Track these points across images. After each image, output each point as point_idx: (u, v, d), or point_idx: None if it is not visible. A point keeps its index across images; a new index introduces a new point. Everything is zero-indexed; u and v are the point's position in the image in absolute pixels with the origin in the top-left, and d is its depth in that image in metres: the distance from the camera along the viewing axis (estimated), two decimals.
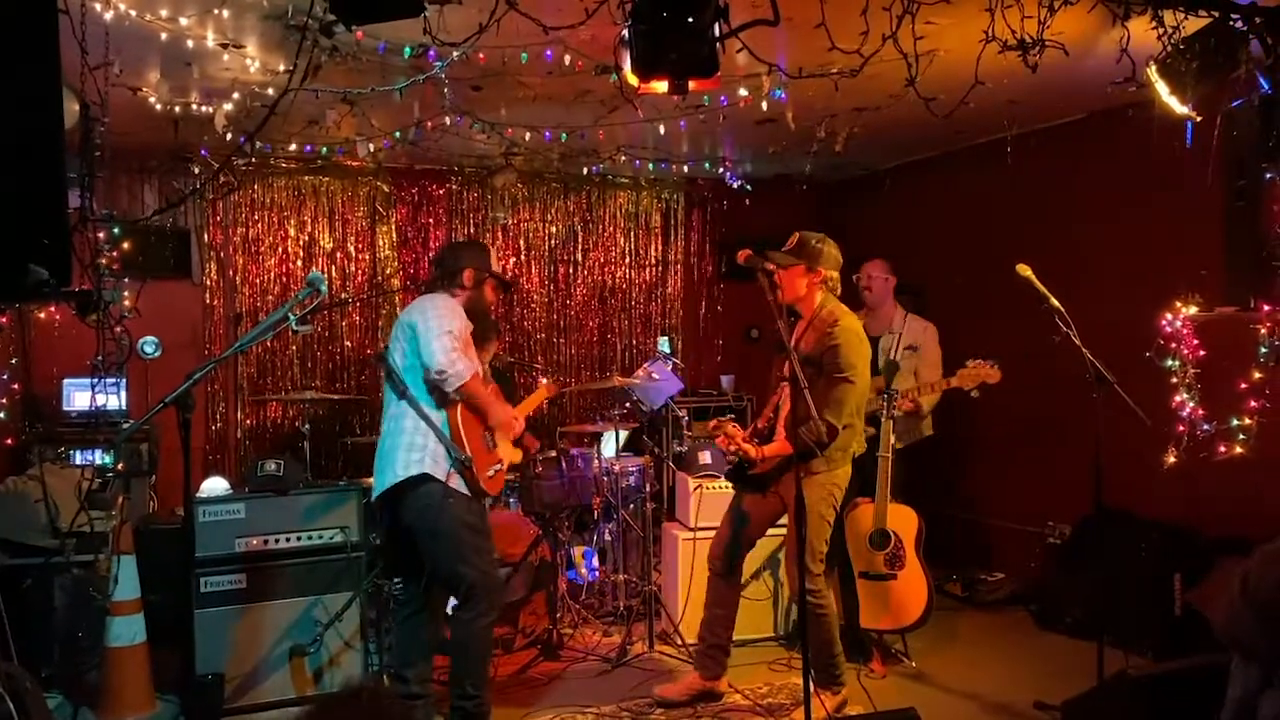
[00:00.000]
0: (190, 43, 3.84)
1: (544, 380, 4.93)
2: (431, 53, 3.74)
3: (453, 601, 3.93)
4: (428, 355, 3.60)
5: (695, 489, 5.05)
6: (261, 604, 4.22)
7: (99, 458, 4.96)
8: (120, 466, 4.89)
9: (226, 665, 4.12)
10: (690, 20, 2.71)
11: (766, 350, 4.62)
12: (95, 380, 2.94)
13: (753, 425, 4.39)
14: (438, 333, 3.60)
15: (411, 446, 3.63)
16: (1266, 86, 3.55)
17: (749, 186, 6.69)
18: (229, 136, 4.90)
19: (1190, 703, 2.51)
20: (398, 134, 5.34)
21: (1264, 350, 3.83)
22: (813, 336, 4.02)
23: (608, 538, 5.48)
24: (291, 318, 3.16)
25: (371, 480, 3.78)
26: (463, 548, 3.66)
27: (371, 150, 5.70)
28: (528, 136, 5.48)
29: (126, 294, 4.09)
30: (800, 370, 3.50)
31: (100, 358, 3.05)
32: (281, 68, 4.11)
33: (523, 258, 7.14)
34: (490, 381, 4.07)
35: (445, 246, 3.97)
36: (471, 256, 3.97)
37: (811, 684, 3.69)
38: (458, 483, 3.65)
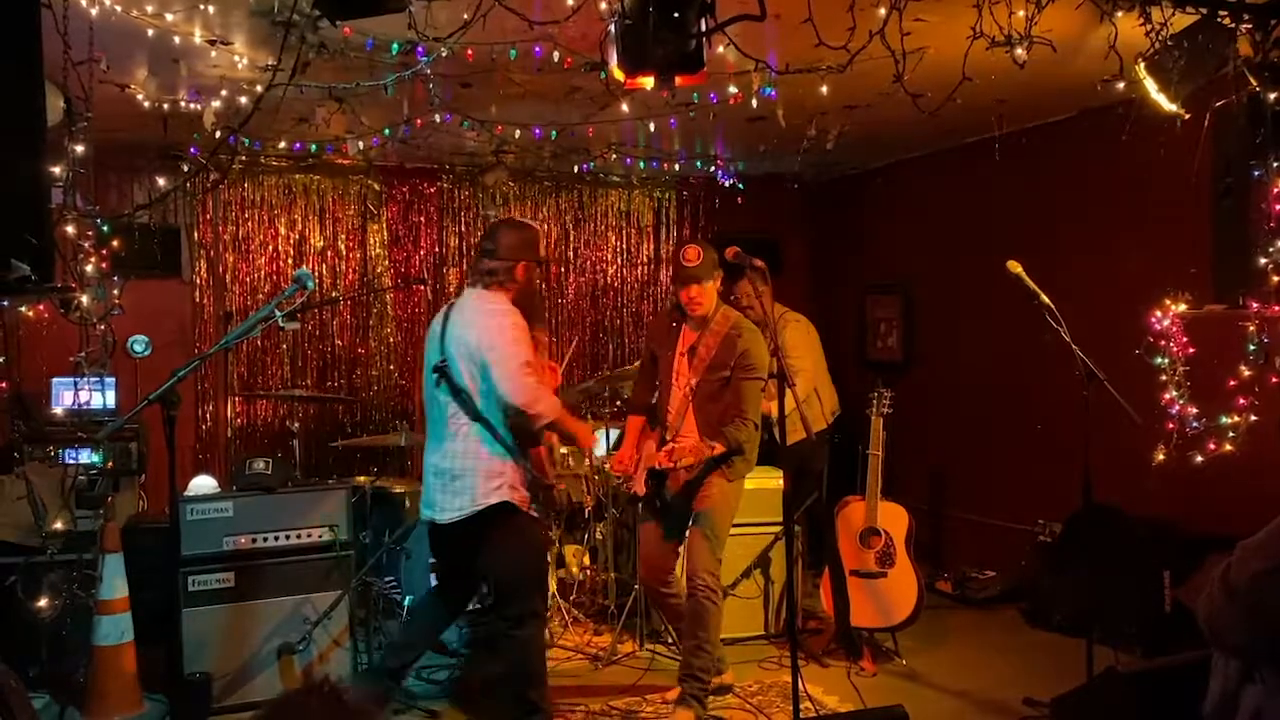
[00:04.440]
0: (177, 39, 3.82)
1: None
2: (420, 49, 3.73)
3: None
4: (507, 391, 3.39)
5: None
6: (250, 602, 4.20)
7: (87, 456, 4.94)
8: (109, 465, 4.87)
9: (214, 664, 4.11)
10: (676, 16, 2.70)
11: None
12: (78, 378, 2.92)
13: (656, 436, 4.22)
14: (514, 367, 3.39)
15: (490, 473, 3.46)
16: (1254, 84, 3.56)
17: (740, 185, 6.69)
18: (218, 134, 4.88)
19: (1179, 699, 2.50)
20: (387, 131, 5.32)
21: (1253, 348, 3.83)
22: (714, 339, 4.00)
23: (599, 536, 5.47)
24: (278, 314, 3.15)
25: (363, 480, 3.75)
26: (530, 571, 3.61)
27: (362, 148, 5.68)
28: (518, 134, 5.46)
29: (116, 291, 4.07)
30: (782, 371, 3.49)
31: (83, 355, 3.04)
32: (269, 64, 4.10)
33: None
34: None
35: (497, 230, 3.71)
36: (526, 249, 3.66)
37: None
38: (533, 507, 3.56)
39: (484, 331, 3.48)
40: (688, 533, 4.01)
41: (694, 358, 4.03)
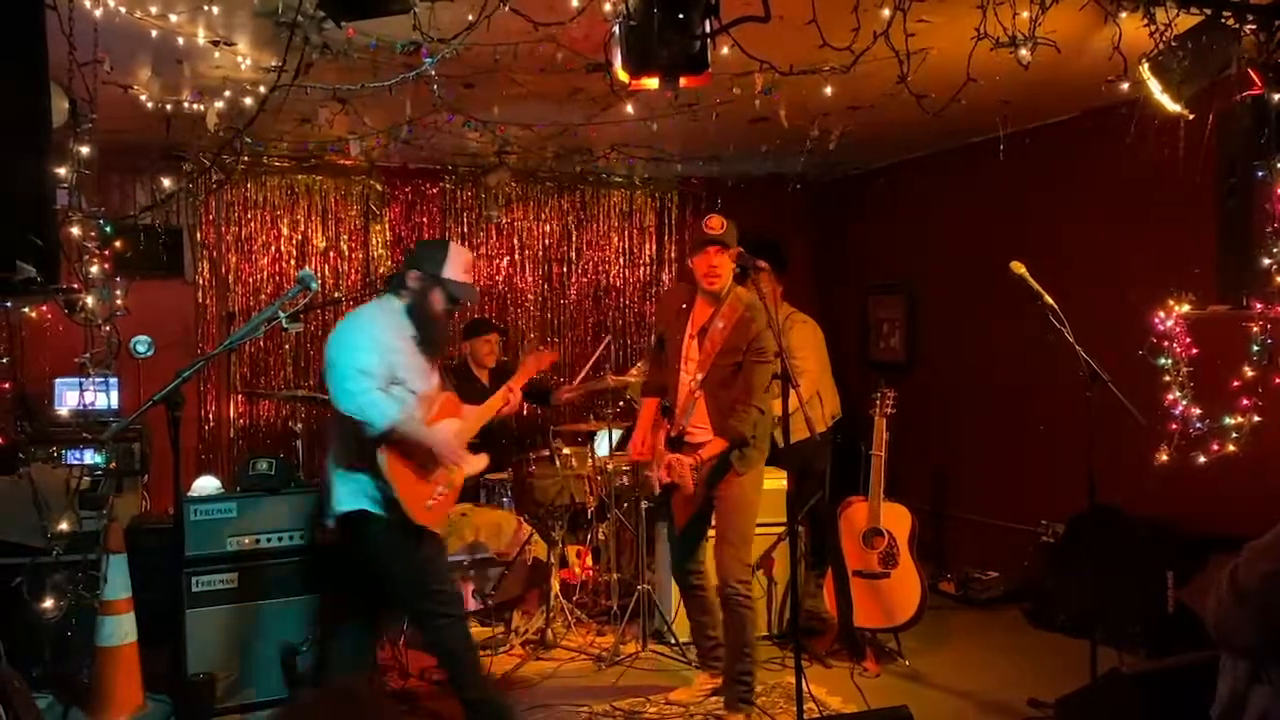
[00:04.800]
0: (181, 40, 3.82)
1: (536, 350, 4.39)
2: (423, 50, 3.73)
3: None
4: (335, 397, 3.31)
5: None
6: (253, 603, 4.21)
7: (90, 457, 4.94)
8: (112, 465, 4.87)
9: (218, 664, 4.12)
10: (681, 17, 2.70)
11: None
12: (82, 379, 2.92)
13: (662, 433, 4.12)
14: (346, 374, 3.29)
15: (347, 477, 3.43)
16: (1258, 84, 3.56)
17: (743, 185, 6.68)
18: (221, 135, 4.88)
19: (1183, 699, 2.50)
20: (391, 132, 5.32)
21: (1256, 348, 3.83)
22: (727, 322, 3.89)
23: (601, 537, 5.47)
24: (281, 315, 3.16)
25: None
26: (414, 583, 3.50)
27: (364, 148, 5.67)
28: (520, 134, 5.46)
29: (120, 292, 4.07)
30: (785, 371, 3.47)
31: (88, 355, 3.04)
32: (273, 65, 4.10)
33: (517, 256, 7.13)
34: (450, 388, 3.82)
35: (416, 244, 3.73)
36: (424, 260, 3.58)
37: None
38: (396, 516, 3.43)
39: (333, 336, 3.45)
40: (710, 538, 3.99)
41: (705, 340, 3.91)
